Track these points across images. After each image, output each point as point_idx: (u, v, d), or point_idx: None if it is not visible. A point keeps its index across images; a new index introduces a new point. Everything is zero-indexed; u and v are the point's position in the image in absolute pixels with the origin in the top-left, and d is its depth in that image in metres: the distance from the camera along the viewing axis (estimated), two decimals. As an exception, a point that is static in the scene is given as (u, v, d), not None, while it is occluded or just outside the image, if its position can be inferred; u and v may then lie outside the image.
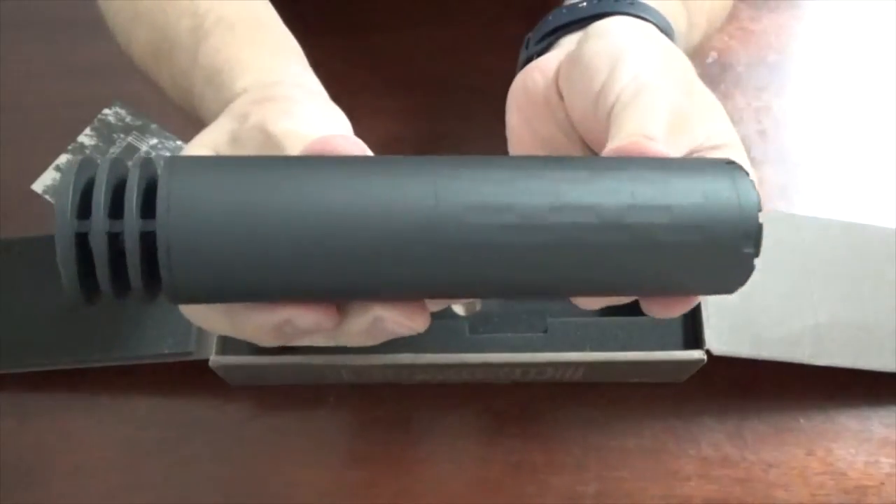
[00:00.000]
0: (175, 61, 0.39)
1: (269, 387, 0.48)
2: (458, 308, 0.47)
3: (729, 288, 0.26)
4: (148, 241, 0.22)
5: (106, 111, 0.58)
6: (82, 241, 0.22)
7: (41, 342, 0.47)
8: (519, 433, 0.47)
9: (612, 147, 0.27)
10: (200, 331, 0.44)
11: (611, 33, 0.32)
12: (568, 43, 0.34)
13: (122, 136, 0.57)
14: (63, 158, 0.56)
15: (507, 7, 0.60)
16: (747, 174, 0.25)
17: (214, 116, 0.33)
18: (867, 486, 0.45)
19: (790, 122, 0.57)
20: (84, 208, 0.22)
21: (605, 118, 0.29)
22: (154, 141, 0.56)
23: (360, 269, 0.22)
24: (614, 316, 0.45)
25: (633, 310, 0.44)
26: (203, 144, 0.30)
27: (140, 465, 0.46)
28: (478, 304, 0.47)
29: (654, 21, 0.35)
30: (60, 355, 0.46)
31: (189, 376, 0.47)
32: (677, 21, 0.37)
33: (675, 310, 0.27)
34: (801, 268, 0.47)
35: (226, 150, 0.30)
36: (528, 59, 0.36)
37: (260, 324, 0.26)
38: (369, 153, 0.26)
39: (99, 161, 0.22)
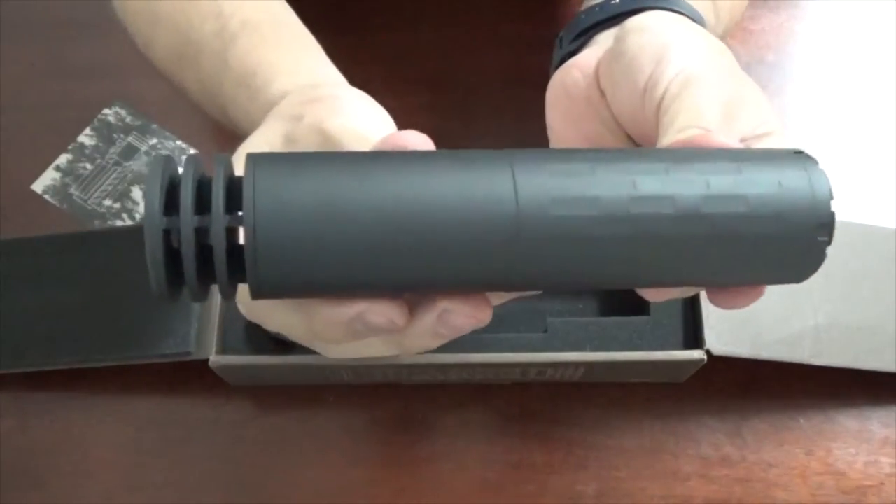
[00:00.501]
0: (202, 65, 0.39)
1: (269, 387, 0.48)
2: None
3: (800, 276, 0.26)
4: (233, 237, 0.22)
5: (106, 111, 0.58)
6: (168, 237, 0.22)
7: (41, 342, 0.47)
8: (519, 433, 0.47)
9: (670, 140, 0.27)
10: (200, 331, 0.44)
11: (651, 28, 0.31)
12: (604, 39, 0.34)
13: (122, 136, 0.57)
14: (63, 158, 0.56)
15: (508, 6, 0.60)
16: (817, 163, 0.25)
17: (249, 117, 0.34)
18: (867, 486, 0.45)
19: (790, 121, 0.57)
20: (170, 205, 0.22)
21: (654, 113, 0.29)
22: (154, 141, 0.56)
23: (442, 262, 0.23)
24: (614, 316, 0.45)
25: (633, 310, 0.45)
26: (256, 146, 0.30)
27: (140, 465, 0.46)
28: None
29: (688, 14, 0.34)
30: (60, 355, 0.46)
31: (189, 376, 0.47)
32: (707, 15, 0.37)
33: (743, 301, 0.26)
34: (801, 268, 0.46)
35: (281, 150, 0.30)
36: (563, 59, 0.36)
37: (333, 319, 0.26)
38: (433, 147, 0.26)
39: (181, 159, 0.23)
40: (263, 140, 0.31)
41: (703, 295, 0.43)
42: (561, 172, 0.23)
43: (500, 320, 0.46)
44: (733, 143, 0.26)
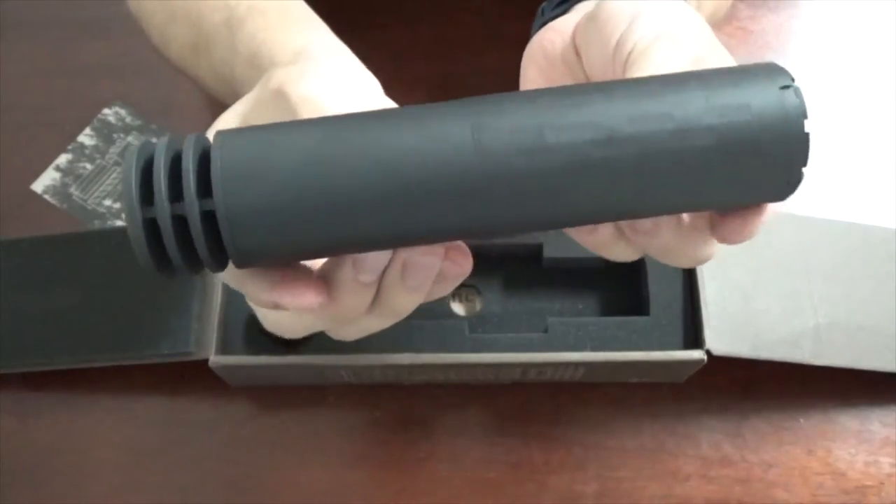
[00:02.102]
0: (213, 53, 0.40)
1: (269, 387, 0.48)
2: (458, 308, 0.47)
3: (782, 196, 0.25)
4: (209, 218, 0.23)
5: (106, 111, 0.58)
6: (150, 224, 0.23)
7: (41, 342, 0.47)
8: (519, 433, 0.47)
9: None
10: (200, 331, 0.44)
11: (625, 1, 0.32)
12: (584, 7, 0.35)
13: (122, 135, 0.57)
14: (63, 158, 0.56)
15: (508, 6, 0.60)
16: (791, 77, 0.25)
17: None
18: (867, 486, 0.45)
19: (790, 122, 0.57)
20: (148, 194, 0.23)
21: (622, 69, 0.29)
22: (154, 141, 0.56)
23: (410, 213, 0.23)
24: (614, 316, 0.45)
25: (634, 310, 0.45)
26: (234, 113, 0.31)
27: (140, 465, 0.46)
28: (478, 304, 0.47)
29: None
30: (60, 355, 0.46)
31: (189, 376, 0.47)
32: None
33: (750, 227, 0.26)
34: (802, 268, 0.47)
35: (251, 116, 0.31)
36: (543, 26, 0.36)
37: (257, 300, 0.27)
38: None
39: (156, 142, 0.24)
40: (240, 108, 0.32)
41: (704, 295, 0.43)
42: (520, 113, 0.23)
43: (501, 320, 0.46)
44: None
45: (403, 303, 0.28)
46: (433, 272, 0.27)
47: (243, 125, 0.30)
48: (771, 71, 0.24)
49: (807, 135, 0.23)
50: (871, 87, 0.58)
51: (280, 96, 0.30)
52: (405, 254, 0.27)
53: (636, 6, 0.30)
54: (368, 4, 0.60)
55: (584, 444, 0.46)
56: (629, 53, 0.29)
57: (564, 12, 0.36)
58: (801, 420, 0.47)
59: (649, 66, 0.27)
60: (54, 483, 0.46)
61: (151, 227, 0.23)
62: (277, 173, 0.23)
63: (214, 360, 0.43)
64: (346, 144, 0.23)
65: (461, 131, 0.23)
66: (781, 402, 0.47)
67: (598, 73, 0.32)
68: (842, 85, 0.58)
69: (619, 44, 0.30)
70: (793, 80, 0.24)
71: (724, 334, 0.43)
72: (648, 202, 0.24)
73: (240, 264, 0.24)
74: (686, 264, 0.30)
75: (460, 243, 0.27)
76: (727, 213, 0.27)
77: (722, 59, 0.31)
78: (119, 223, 0.54)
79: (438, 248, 0.27)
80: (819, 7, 0.62)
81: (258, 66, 0.36)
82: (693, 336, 0.43)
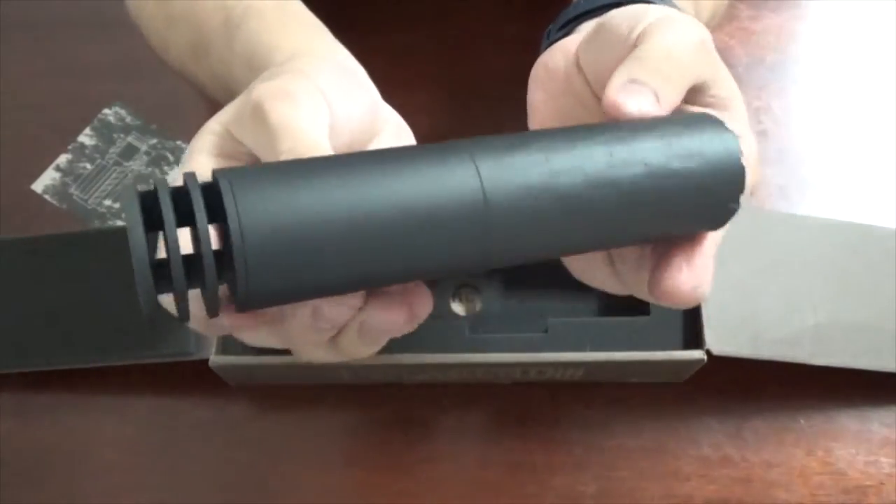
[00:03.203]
0: (212, 54, 0.40)
1: (269, 387, 0.48)
2: (458, 308, 0.47)
3: (718, 226, 0.29)
4: (222, 265, 0.23)
5: (106, 111, 0.58)
6: (159, 272, 0.23)
7: (41, 342, 0.47)
8: (519, 433, 0.47)
9: (628, 69, 0.29)
10: (200, 331, 0.44)
11: (624, 11, 0.33)
12: (586, 27, 0.36)
13: (122, 136, 0.57)
14: (63, 158, 0.56)
15: (508, 6, 0.60)
16: (728, 129, 0.29)
17: None
18: (867, 486, 0.45)
19: (790, 122, 0.57)
20: (153, 232, 0.23)
21: (631, 49, 0.31)
22: (154, 141, 0.56)
23: (412, 255, 0.25)
24: (614, 316, 0.45)
25: (634, 310, 0.45)
26: (217, 122, 0.31)
27: (140, 465, 0.46)
28: (478, 304, 0.47)
29: (669, 5, 0.36)
30: (60, 355, 0.46)
31: (189, 376, 0.47)
32: (687, 11, 0.38)
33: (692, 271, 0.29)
34: (801, 268, 0.47)
35: (233, 127, 0.31)
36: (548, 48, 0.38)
37: (301, 321, 0.27)
38: None
39: (156, 189, 0.23)
40: (224, 117, 0.31)
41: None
42: (521, 162, 0.26)
43: (501, 320, 0.46)
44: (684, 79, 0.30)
45: (359, 352, 0.29)
46: (391, 333, 0.28)
47: (225, 133, 0.31)
48: (715, 123, 0.29)
49: (744, 170, 0.28)
50: (871, 88, 0.58)
51: (259, 116, 0.29)
52: (362, 315, 0.27)
53: (638, 12, 0.32)
54: (368, 5, 0.60)
55: (584, 445, 0.46)
56: (640, 33, 0.31)
57: (568, 34, 0.37)
58: (801, 420, 0.47)
59: (661, 38, 0.30)
60: (54, 483, 0.46)
61: (160, 274, 0.23)
62: (293, 213, 0.23)
63: (214, 360, 0.43)
64: (363, 187, 0.24)
65: (470, 181, 0.25)
66: (781, 402, 0.47)
67: (597, 81, 0.33)
68: (842, 85, 0.58)
69: (630, 31, 0.31)
70: (730, 130, 0.29)
71: (724, 334, 0.43)
72: (622, 234, 0.28)
73: (244, 307, 0.24)
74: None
75: (422, 286, 0.29)
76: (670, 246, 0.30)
77: (716, 64, 0.33)
78: (119, 223, 0.54)
79: (398, 306, 0.28)
80: (820, 7, 0.62)
81: (255, 67, 0.36)
82: (693, 336, 0.43)
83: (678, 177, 0.27)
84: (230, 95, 0.40)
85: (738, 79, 0.57)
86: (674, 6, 0.37)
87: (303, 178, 0.24)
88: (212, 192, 0.23)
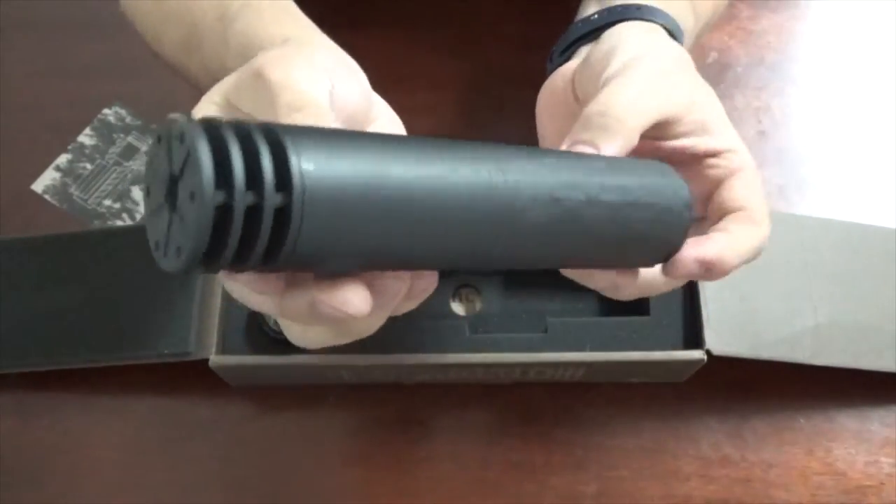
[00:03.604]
0: (205, 48, 0.41)
1: (269, 387, 0.48)
2: (458, 308, 0.47)
3: (658, 261, 0.32)
4: (280, 215, 0.23)
5: (106, 111, 0.58)
6: (220, 213, 0.22)
7: (41, 342, 0.47)
8: (519, 433, 0.47)
9: (568, 140, 0.32)
10: (200, 331, 0.44)
11: (612, 36, 0.36)
12: (584, 52, 0.39)
13: (122, 135, 0.57)
14: (63, 158, 0.56)
15: (508, 6, 0.60)
16: (679, 176, 0.32)
17: None
18: (867, 486, 0.45)
19: (789, 122, 0.57)
20: (218, 176, 0.22)
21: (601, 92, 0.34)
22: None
23: (456, 241, 0.26)
24: (614, 316, 0.45)
25: (634, 310, 0.45)
26: (217, 92, 0.31)
27: (140, 465, 0.46)
28: (478, 304, 0.47)
29: (662, 22, 0.38)
30: (60, 355, 0.46)
31: (189, 376, 0.47)
32: (686, 19, 0.41)
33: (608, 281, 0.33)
34: (801, 268, 0.47)
35: (232, 94, 0.31)
36: (554, 70, 0.40)
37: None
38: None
39: (222, 128, 0.23)
40: (221, 86, 0.31)
41: (704, 295, 0.44)
42: (565, 167, 0.28)
43: (501, 320, 0.46)
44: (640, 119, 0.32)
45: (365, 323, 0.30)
46: (396, 297, 0.28)
47: (225, 103, 0.31)
48: (665, 170, 0.32)
49: (689, 218, 0.31)
50: (871, 88, 0.58)
51: (260, 78, 0.30)
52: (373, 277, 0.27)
53: (613, 44, 0.35)
54: (368, 4, 0.60)
55: (584, 444, 0.46)
56: (605, 79, 0.34)
57: (569, 56, 0.40)
58: (801, 420, 0.47)
59: (615, 93, 0.32)
60: (54, 483, 0.46)
61: (221, 214, 0.22)
62: (354, 180, 0.23)
63: (214, 360, 0.43)
64: (417, 166, 0.25)
65: (490, 176, 0.26)
66: (781, 402, 0.47)
67: None
68: (841, 85, 0.58)
69: (602, 71, 0.34)
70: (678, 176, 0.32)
71: (724, 334, 0.43)
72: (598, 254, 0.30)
73: (287, 265, 0.24)
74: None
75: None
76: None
77: (690, 75, 0.36)
78: (119, 223, 0.54)
79: (405, 273, 0.28)
80: (820, 7, 0.62)
81: (248, 57, 0.36)
82: (693, 336, 0.43)
83: (653, 209, 0.30)
84: None
85: (738, 79, 0.58)
86: (664, 17, 0.38)
87: (366, 147, 0.24)
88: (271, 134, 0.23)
